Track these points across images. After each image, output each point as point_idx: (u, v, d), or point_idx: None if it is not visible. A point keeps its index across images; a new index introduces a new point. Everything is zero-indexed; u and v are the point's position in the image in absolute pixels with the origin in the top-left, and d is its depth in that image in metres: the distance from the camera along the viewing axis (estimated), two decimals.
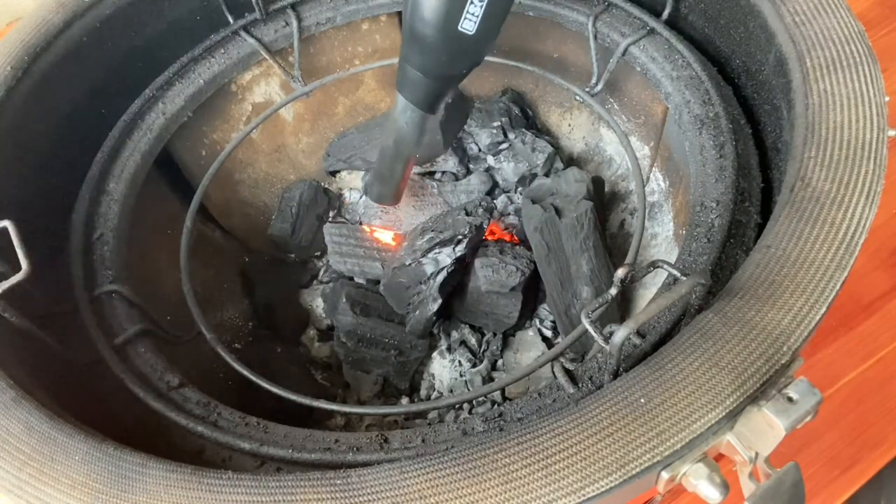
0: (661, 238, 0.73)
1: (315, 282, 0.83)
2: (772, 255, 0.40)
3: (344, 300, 0.72)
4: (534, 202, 0.69)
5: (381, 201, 0.74)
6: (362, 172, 0.88)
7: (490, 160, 0.84)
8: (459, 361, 0.72)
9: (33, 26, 0.60)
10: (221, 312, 0.76)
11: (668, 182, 0.74)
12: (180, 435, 0.46)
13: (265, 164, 0.86)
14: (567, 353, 0.48)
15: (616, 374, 0.39)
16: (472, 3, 0.48)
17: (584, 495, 0.33)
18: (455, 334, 0.74)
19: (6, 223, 0.46)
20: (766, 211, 0.53)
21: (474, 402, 0.69)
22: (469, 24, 0.49)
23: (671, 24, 0.67)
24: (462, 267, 0.70)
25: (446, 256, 0.68)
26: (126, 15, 0.66)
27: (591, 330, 0.39)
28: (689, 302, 0.43)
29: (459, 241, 0.68)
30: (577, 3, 0.71)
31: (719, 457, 0.37)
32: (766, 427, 0.33)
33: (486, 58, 0.60)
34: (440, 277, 0.67)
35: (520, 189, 0.83)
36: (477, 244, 0.71)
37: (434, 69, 0.55)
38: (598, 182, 0.75)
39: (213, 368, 0.56)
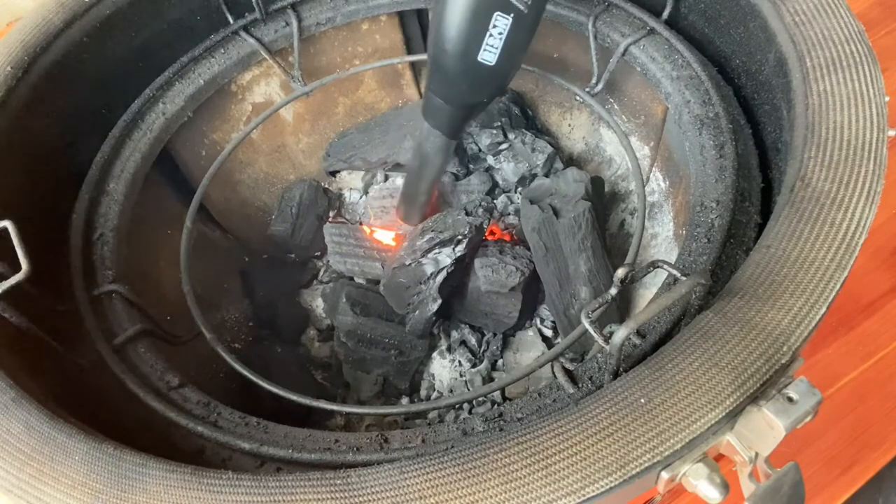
0: (661, 238, 0.73)
1: (315, 282, 0.83)
2: (772, 255, 0.40)
3: (344, 300, 0.72)
4: (532, 202, 0.69)
5: (408, 220, 0.76)
6: (362, 172, 0.89)
7: (490, 160, 0.84)
8: (459, 361, 0.72)
9: (33, 26, 0.60)
10: (221, 312, 0.76)
11: (668, 182, 0.74)
12: (180, 435, 0.46)
13: (265, 164, 0.86)
14: (567, 353, 0.48)
15: (616, 374, 0.39)
16: (490, 35, 0.49)
17: (584, 495, 0.33)
18: (455, 334, 0.74)
19: (6, 223, 0.46)
20: (766, 211, 0.53)
21: (474, 402, 0.69)
22: (489, 55, 0.50)
23: (671, 24, 0.67)
24: (462, 267, 0.70)
25: (446, 256, 0.68)
26: (126, 15, 0.66)
27: (590, 330, 0.39)
28: (689, 302, 0.43)
29: (459, 242, 0.68)
30: (577, 3, 0.71)
31: (719, 457, 0.37)
32: (766, 427, 0.33)
33: None
34: (440, 277, 0.67)
35: (520, 189, 0.82)
36: (477, 244, 0.71)
37: (456, 98, 0.56)
38: (597, 182, 0.75)
39: (213, 368, 0.56)
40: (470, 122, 0.61)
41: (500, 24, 0.48)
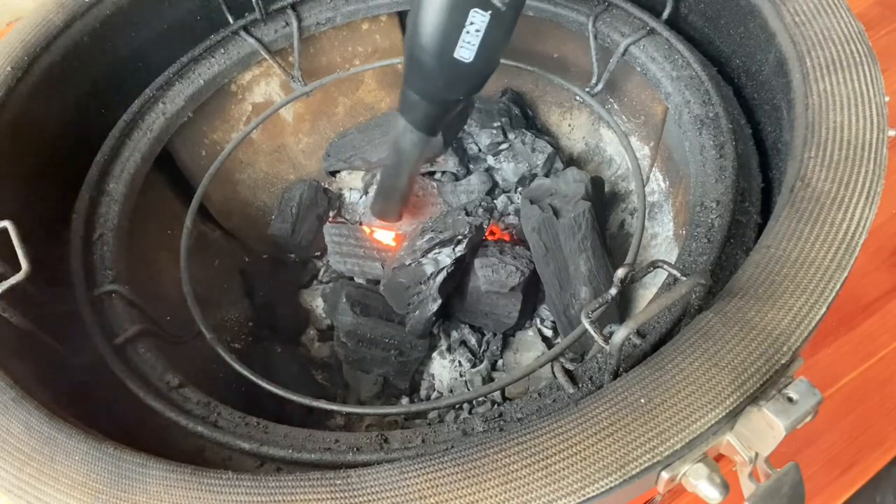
0: (661, 238, 0.73)
1: (315, 282, 0.83)
2: (772, 255, 0.40)
3: (344, 300, 0.72)
4: (532, 202, 0.69)
5: (384, 218, 0.75)
6: (362, 172, 0.89)
7: (490, 160, 0.84)
8: (459, 361, 0.72)
9: (33, 26, 0.60)
10: (221, 312, 0.76)
11: (668, 182, 0.74)
12: (180, 435, 0.46)
13: (265, 164, 0.86)
14: (567, 354, 0.48)
15: (616, 374, 0.39)
16: (467, 31, 0.48)
17: (584, 495, 0.33)
18: (455, 334, 0.74)
19: (6, 223, 0.46)
20: (766, 211, 0.53)
21: (474, 402, 0.69)
22: (465, 52, 0.50)
23: (671, 24, 0.67)
24: (462, 267, 0.70)
25: (446, 256, 0.68)
26: (126, 15, 0.66)
27: (590, 330, 0.39)
28: (689, 302, 0.43)
29: (459, 242, 0.68)
30: (577, 3, 0.71)
31: (719, 457, 0.37)
32: (766, 427, 0.33)
33: None
34: (440, 278, 0.67)
35: (520, 189, 0.83)
36: (477, 244, 0.71)
37: (432, 94, 0.56)
38: (597, 182, 0.75)
39: (213, 368, 0.56)
40: (446, 119, 0.61)
41: (478, 20, 0.48)
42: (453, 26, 0.48)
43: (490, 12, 0.48)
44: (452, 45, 0.49)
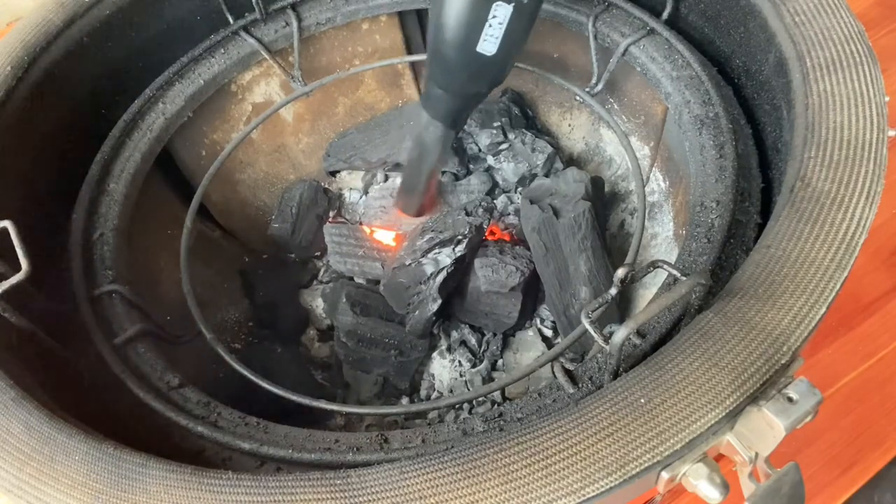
0: (661, 238, 0.73)
1: (315, 282, 0.83)
2: (772, 255, 0.40)
3: (344, 300, 0.72)
4: (532, 202, 0.69)
5: (408, 212, 0.76)
6: (362, 172, 0.89)
7: (490, 160, 0.84)
8: (459, 361, 0.72)
9: (33, 26, 0.60)
10: (221, 312, 0.76)
11: (668, 182, 0.74)
12: (180, 435, 0.46)
13: (265, 164, 0.86)
14: (567, 353, 0.48)
15: (616, 374, 0.39)
16: (490, 25, 0.49)
17: (584, 495, 0.33)
18: (455, 334, 0.74)
19: (6, 223, 0.46)
20: (766, 211, 0.53)
21: (474, 402, 0.69)
22: (488, 45, 0.50)
23: (671, 24, 0.67)
24: (462, 267, 0.70)
25: (446, 256, 0.68)
26: (126, 15, 0.66)
27: (590, 330, 0.39)
28: (689, 302, 0.43)
29: (459, 242, 0.68)
30: (577, 3, 0.71)
31: (719, 457, 0.37)
32: (766, 427, 0.33)
33: None
34: (440, 277, 0.67)
35: (520, 189, 0.83)
36: (477, 244, 0.71)
37: (455, 88, 0.56)
38: (597, 182, 0.75)
39: (213, 368, 0.56)
40: (469, 113, 0.61)
41: (500, 13, 0.48)
42: (477, 19, 0.49)
43: (513, 5, 0.48)
44: (476, 38, 0.49)
